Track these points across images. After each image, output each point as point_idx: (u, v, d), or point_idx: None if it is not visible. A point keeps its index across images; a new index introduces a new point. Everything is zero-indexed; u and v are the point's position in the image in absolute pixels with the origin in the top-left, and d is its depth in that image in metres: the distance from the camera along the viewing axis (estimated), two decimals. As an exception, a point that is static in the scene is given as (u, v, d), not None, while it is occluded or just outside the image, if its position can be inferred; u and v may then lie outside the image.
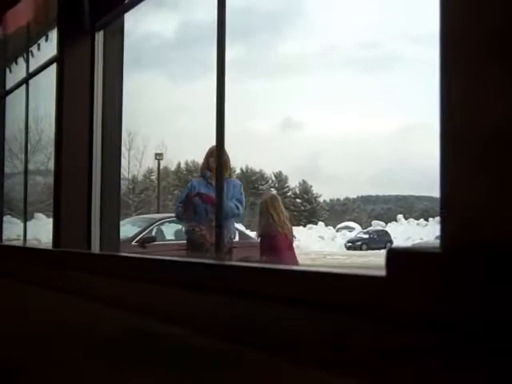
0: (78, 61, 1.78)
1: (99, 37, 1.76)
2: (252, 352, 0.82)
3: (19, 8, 2.71)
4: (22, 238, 4.20)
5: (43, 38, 2.53)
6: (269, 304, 0.81)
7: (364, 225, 12.97)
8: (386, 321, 0.68)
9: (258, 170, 15.51)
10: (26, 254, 1.75)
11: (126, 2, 1.62)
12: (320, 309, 0.77)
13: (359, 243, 11.96)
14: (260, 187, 15.13)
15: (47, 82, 2.42)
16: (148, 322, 1.11)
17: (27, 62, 2.53)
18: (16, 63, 3.02)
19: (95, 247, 1.77)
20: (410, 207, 13.01)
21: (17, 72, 3.00)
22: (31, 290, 1.55)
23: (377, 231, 12.08)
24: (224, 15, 1.33)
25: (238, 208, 3.65)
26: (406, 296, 0.66)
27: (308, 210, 15.02)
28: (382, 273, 0.69)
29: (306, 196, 15.27)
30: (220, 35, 1.33)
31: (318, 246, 12.22)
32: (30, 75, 2.44)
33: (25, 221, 2.61)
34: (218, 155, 1.45)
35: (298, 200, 15.14)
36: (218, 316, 0.96)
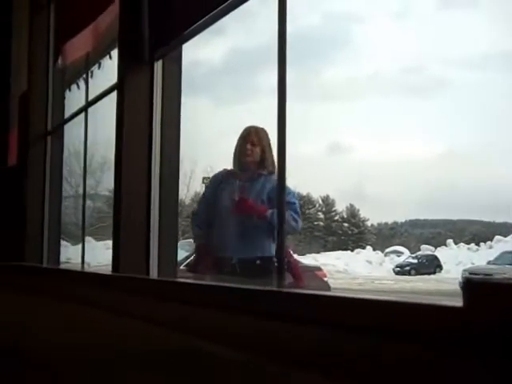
0: (138, 89, 1.83)
1: (158, 66, 1.81)
2: (322, 381, 0.82)
3: (78, 39, 2.81)
4: (71, 261, 4.28)
5: (96, 66, 2.62)
6: (344, 333, 0.81)
7: (412, 249, 12.75)
8: (464, 351, 0.67)
9: (305, 193, 15.49)
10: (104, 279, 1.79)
11: (184, 33, 1.65)
12: (394, 338, 0.76)
13: (408, 268, 11.76)
14: (307, 211, 15.07)
15: (96, 110, 2.50)
16: (210, 346, 1.12)
17: (87, 89, 2.61)
18: (70, 90, 3.12)
19: (153, 272, 1.79)
20: (459, 231, 12.74)
21: (71, 99, 3.10)
22: (92, 312, 1.57)
23: (426, 256, 11.86)
24: (285, 39, 1.34)
25: (295, 221, 2.53)
26: (485, 327, 0.65)
27: (355, 234, 14.88)
28: (459, 304, 0.68)
29: (353, 220, 15.14)
30: (281, 59, 1.33)
31: (365, 271, 12.06)
32: (89, 103, 2.51)
33: (83, 245, 2.65)
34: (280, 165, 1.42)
35: (346, 224, 15.02)
36: (281, 342, 0.96)
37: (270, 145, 2.37)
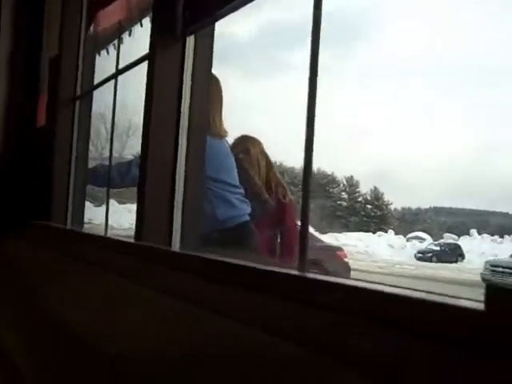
0: (168, 62, 1.83)
1: (190, 41, 1.80)
2: (342, 370, 0.82)
3: (111, 7, 2.81)
4: (93, 221, 4.32)
5: (126, 33, 2.62)
6: (359, 323, 0.81)
7: (435, 236, 12.65)
8: (482, 354, 0.67)
9: (329, 172, 15.38)
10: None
11: (219, 11, 1.64)
12: (409, 333, 0.76)
13: (429, 255, 11.69)
14: (331, 190, 15.00)
15: (127, 76, 2.50)
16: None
17: (117, 56, 2.61)
18: (99, 55, 3.13)
19: (175, 244, 1.80)
20: (484, 222, 12.60)
21: (101, 65, 3.11)
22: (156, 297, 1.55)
23: (448, 244, 11.78)
24: (320, 15, 1.32)
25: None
26: (507, 332, 0.64)
27: (378, 216, 14.80)
28: (481, 306, 0.68)
29: (376, 203, 15.04)
30: (314, 36, 1.31)
31: (386, 254, 12.02)
32: (119, 71, 2.51)
33: (107, 208, 2.66)
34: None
35: (369, 206, 14.93)
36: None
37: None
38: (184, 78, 1.81)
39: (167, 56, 1.81)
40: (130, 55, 2.44)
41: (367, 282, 1.00)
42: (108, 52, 2.94)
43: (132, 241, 1.87)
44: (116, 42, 2.75)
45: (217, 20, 1.73)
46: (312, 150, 1.31)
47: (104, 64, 3.06)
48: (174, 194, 1.83)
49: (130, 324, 1.48)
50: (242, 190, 2.44)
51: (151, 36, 1.87)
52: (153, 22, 1.86)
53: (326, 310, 0.91)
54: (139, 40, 2.45)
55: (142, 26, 2.40)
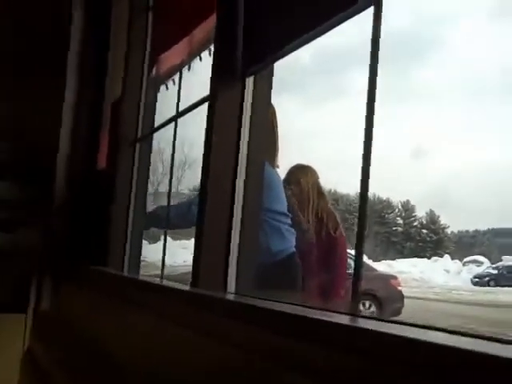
0: (229, 103, 1.85)
1: (249, 81, 1.83)
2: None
3: (173, 50, 2.89)
4: (146, 259, 4.31)
5: (186, 68, 2.67)
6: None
7: (493, 259, 12.18)
8: None
9: (384, 198, 15.13)
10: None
11: (278, 52, 1.66)
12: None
13: (487, 279, 11.25)
14: (386, 216, 14.73)
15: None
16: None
17: (178, 96, 2.66)
18: (159, 91, 3.20)
19: (231, 287, 1.79)
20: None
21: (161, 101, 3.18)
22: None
23: (507, 267, 11.30)
24: (378, 36, 1.31)
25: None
26: None
27: (434, 241, 14.40)
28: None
29: (432, 226, 14.66)
30: (373, 59, 1.30)
31: (442, 280, 11.65)
32: (180, 114, 2.56)
33: (164, 246, 2.66)
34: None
35: (424, 230, 14.55)
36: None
37: None
38: (243, 118, 1.84)
39: (227, 97, 1.84)
40: (189, 90, 2.49)
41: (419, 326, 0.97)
42: (167, 87, 3.00)
43: (187, 287, 1.87)
44: (176, 77, 2.80)
45: (276, 61, 1.75)
46: (368, 178, 1.29)
47: (163, 100, 3.12)
48: (231, 235, 1.83)
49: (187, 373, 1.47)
50: (289, 220, 2.44)
51: (212, 77, 1.91)
52: (213, 63, 1.90)
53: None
54: (199, 74, 2.50)
55: (201, 60, 2.45)
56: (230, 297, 1.74)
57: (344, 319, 1.19)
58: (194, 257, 1.87)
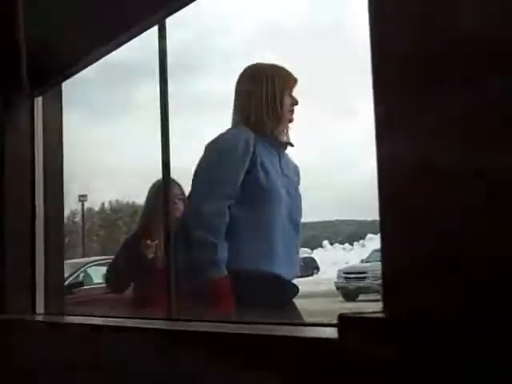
0: (18, 123, 1.87)
1: (38, 102, 1.86)
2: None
3: None
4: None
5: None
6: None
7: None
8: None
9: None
10: None
11: (63, 73, 1.71)
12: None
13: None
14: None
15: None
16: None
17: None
18: None
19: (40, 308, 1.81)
20: (335, 233, 13.27)
21: None
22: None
23: (303, 258, 12.21)
24: (165, 49, 1.46)
25: None
26: (355, 358, 0.77)
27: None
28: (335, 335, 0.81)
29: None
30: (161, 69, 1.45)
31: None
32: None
33: None
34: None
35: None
36: None
37: None
38: (36, 136, 1.86)
39: (16, 117, 1.85)
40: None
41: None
42: None
43: None
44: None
45: (63, 81, 1.79)
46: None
47: None
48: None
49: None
50: None
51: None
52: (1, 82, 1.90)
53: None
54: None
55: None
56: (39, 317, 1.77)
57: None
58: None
